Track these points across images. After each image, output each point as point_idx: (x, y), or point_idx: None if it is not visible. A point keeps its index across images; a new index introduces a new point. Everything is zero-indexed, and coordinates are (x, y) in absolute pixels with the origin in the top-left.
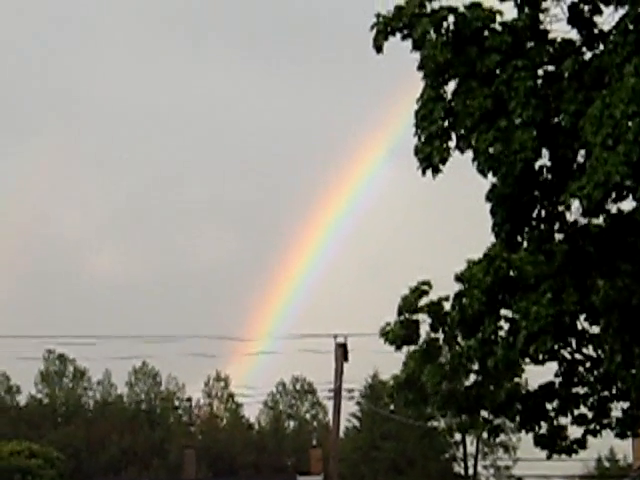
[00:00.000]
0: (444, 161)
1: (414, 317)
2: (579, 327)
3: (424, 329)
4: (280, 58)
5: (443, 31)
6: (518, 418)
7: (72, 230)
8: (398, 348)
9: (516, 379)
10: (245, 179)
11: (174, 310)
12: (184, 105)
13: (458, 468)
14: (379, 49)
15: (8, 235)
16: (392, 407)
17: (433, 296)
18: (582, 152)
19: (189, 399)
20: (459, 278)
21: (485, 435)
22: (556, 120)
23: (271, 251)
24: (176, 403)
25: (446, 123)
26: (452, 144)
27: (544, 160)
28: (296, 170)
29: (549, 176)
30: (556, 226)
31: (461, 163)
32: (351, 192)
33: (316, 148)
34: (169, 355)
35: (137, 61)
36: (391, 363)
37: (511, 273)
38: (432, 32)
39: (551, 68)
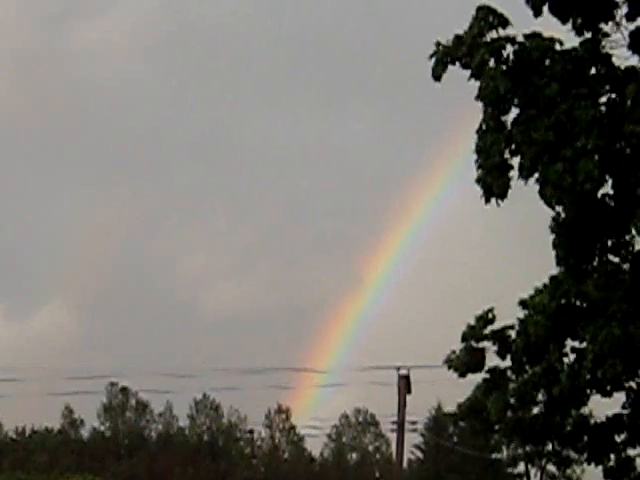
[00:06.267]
0: (505, 191)
1: (479, 345)
2: None
3: (489, 357)
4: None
5: (502, 60)
6: (586, 450)
7: (194, 267)
8: (462, 375)
9: (583, 410)
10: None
11: (263, 343)
12: (309, 148)
13: None
14: (438, 78)
15: (132, 270)
16: (455, 439)
17: (499, 325)
18: None
19: (251, 431)
20: (524, 304)
21: (550, 466)
22: (618, 146)
23: (341, 282)
24: (238, 435)
25: (507, 153)
26: (513, 174)
27: (607, 188)
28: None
29: (612, 204)
30: (622, 255)
31: (528, 189)
32: (415, 223)
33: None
34: (230, 388)
35: (271, 112)
36: (454, 395)
37: (577, 302)
38: (491, 61)
39: (613, 95)
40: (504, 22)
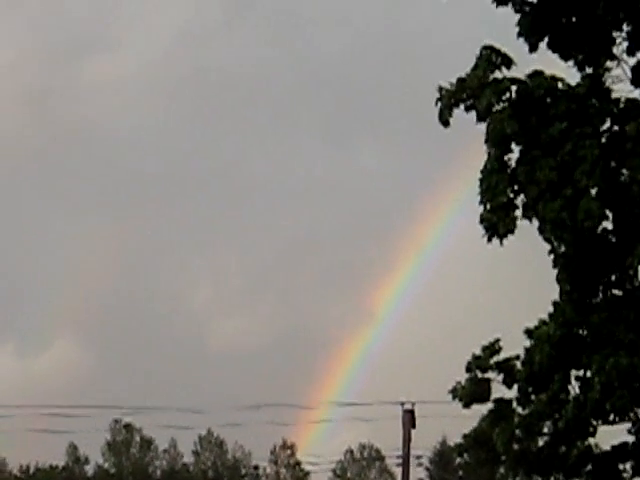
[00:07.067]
0: (511, 231)
1: (485, 375)
2: None
3: (495, 388)
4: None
5: (507, 101)
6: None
7: (200, 301)
8: (467, 406)
9: (589, 440)
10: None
11: (269, 378)
12: (315, 180)
13: None
14: (446, 123)
15: (139, 305)
16: (460, 473)
17: (505, 356)
18: None
19: (256, 467)
20: (529, 333)
21: None
22: (621, 182)
23: (347, 316)
24: (243, 471)
25: (511, 192)
26: (518, 213)
27: (607, 223)
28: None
29: (613, 239)
30: (625, 291)
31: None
32: (419, 256)
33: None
34: (235, 424)
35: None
36: (459, 429)
37: (581, 331)
38: (496, 103)
39: (615, 128)
40: (508, 62)
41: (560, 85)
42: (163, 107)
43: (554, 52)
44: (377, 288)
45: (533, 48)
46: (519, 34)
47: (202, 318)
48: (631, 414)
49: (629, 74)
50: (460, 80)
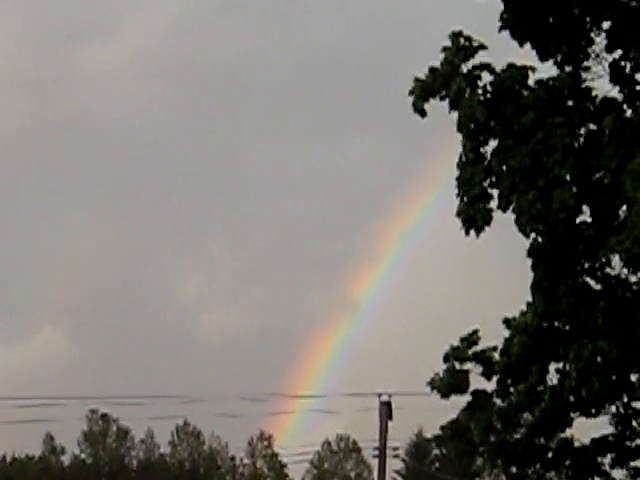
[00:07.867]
0: (487, 223)
1: (463, 366)
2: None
3: (475, 379)
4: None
5: (480, 89)
6: (570, 473)
7: (186, 292)
8: (445, 397)
9: (567, 432)
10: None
11: (250, 369)
12: (305, 172)
13: None
14: (422, 113)
15: (127, 295)
16: (437, 465)
17: (483, 346)
18: (624, 208)
19: (232, 458)
20: (507, 322)
21: None
22: (597, 176)
23: (324, 308)
24: (219, 462)
25: (487, 183)
26: (494, 204)
27: (585, 216)
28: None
29: (590, 231)
30: (597, 279)
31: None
32: (397, 248)
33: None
34: (211, 414)
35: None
36: (435, 421)
37: (556, 323)
38: (467, 90)
39: (592, 126)
40: (479, 47)
41: (533, 76)
42: (158, 97)
43: (533, 48)
44: (359, 278)
45: (521, 43)
46: (502, 27)
47: (189, 308)
48: (611, 406)
49: (608, 70)
50: (432, 69)
